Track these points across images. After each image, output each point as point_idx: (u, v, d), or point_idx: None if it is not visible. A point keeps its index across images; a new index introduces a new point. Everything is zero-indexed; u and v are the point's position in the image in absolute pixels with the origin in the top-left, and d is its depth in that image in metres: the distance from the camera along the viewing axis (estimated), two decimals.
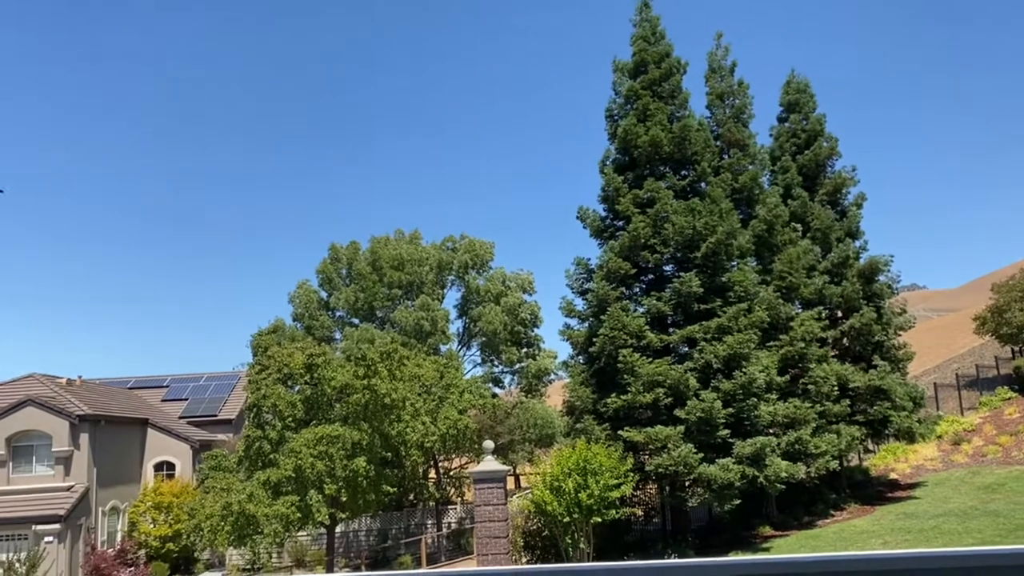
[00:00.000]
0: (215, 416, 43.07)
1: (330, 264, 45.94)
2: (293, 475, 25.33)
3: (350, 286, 44.61)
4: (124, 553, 32.04)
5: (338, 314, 45.13)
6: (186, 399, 44.51)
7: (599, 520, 22.51)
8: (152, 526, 33.61)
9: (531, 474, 34.51)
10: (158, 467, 37.40)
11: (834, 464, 26.56)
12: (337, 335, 44.37)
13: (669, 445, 23.29)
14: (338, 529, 30.43)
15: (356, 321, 43.96)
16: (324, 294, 45.83)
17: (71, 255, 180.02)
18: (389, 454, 28.80)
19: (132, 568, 31.13)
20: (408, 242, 46.01)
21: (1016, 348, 40.84)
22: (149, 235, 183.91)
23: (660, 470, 23.51)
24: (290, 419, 27.17)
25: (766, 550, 23.17)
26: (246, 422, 30.61)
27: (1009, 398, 36.12)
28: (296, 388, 28.64)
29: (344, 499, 26.33)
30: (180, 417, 41.98)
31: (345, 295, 43.83)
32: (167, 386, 45.94)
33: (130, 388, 44.83)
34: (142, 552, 33.14)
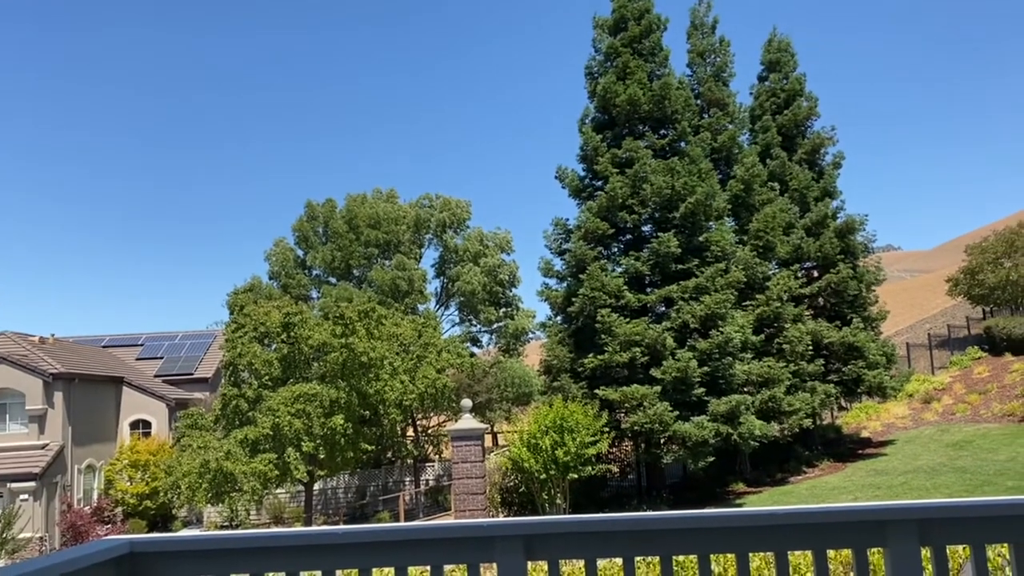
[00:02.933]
0: (191, 375, 42.87)
1: (306, 222, 45.45)
2: (271, 433, 25.30)
3: (327, 244, 44.22)
4: (101, 511, 32.05)
5: (315, 273, 44.81)
6: (161, 357, 44.23)
7: (575, 476, 22.75)
8: (129, 484, 33.59)
9: (508, 432, 34.76)
10: (134, 425, 37.27)
11: (807, 422, 26.97)
12: (314, 294, 44.11)
13: (645, 403, 23.49)
14: (316, 486, 30.55)
15: (333, 280, 43.68)
16: (301, 252, 45.41)
17: (42, 211, 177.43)
18: (367, 412, 28.82)
19: (109, 526, 31.15)
20: (385, 200, 45.57)
21: (987, 309, 41.51)
22: (121, 191, 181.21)
23: (636, 428, 23.73)
24: (267, 378, 27.07)
25: (739, 506, 23.56)
26: (222, 381, 30.49)
27: (979, 357, 36.78)
28: (273, 347, 28.48)
29: (322, 457, 26.38)
30: (155, 376, 41.75)
31: (322, 254, 43.46)
32: (142, 344, 45.60)
33: (104, 347, 44.42)
34: (119, 510, 33.17)
